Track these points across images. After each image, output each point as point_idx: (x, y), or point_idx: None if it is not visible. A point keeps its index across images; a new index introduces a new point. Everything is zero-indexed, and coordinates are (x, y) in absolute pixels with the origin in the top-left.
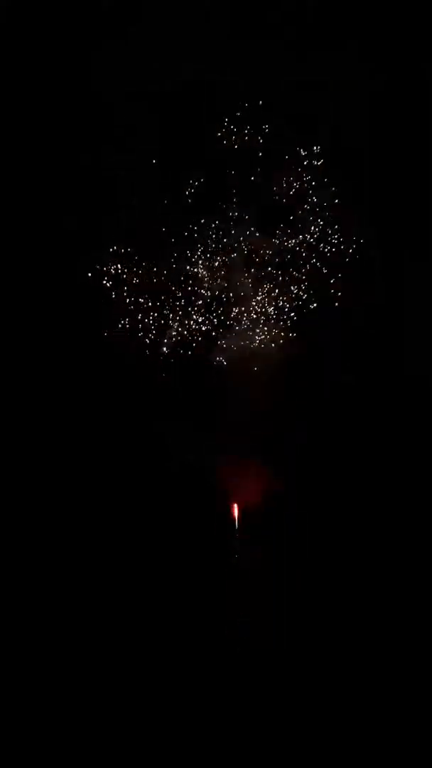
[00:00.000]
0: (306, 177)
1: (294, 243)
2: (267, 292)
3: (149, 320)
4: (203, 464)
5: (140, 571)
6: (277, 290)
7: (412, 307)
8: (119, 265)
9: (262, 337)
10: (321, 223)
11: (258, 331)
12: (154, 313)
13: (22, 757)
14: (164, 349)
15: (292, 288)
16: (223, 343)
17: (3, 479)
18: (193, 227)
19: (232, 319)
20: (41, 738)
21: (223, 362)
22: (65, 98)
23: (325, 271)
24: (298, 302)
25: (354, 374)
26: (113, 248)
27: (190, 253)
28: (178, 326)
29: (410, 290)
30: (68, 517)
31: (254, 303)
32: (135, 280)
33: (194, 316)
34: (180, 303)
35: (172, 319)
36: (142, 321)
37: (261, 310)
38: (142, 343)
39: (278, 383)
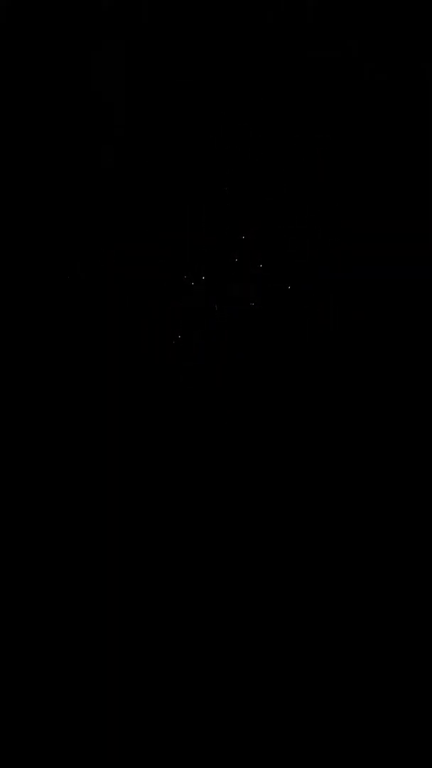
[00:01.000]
0: (305, 177)
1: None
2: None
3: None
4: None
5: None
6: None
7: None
8: (120, 264)
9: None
10: (319, 228)
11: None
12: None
13: (23, 756)
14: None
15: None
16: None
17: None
18: (192, 227)
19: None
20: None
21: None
22: (65, 98)
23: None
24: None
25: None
26: (113, 247)
27: (191, 252)
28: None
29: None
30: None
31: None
32: (137, 278)
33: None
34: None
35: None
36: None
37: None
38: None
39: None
